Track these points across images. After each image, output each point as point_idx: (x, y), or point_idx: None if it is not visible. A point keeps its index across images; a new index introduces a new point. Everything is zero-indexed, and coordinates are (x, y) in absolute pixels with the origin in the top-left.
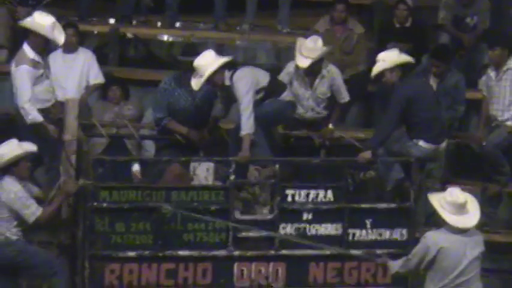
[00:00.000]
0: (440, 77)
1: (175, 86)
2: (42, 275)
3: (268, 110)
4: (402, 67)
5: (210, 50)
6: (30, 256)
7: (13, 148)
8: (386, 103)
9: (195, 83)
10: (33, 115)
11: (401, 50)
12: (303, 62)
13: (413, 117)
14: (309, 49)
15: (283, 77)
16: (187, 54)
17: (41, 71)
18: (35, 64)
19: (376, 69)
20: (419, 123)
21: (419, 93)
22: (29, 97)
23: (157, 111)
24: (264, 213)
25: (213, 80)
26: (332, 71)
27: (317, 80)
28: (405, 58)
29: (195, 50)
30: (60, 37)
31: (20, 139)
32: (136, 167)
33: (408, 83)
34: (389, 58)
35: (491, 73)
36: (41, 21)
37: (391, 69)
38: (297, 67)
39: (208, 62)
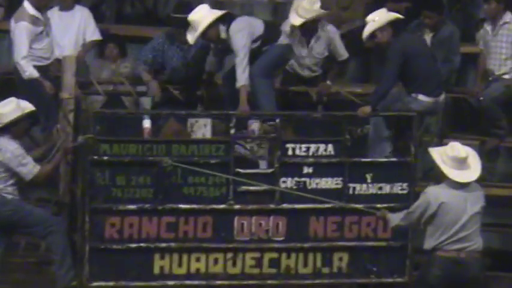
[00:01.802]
0: (434, 29)
1: (168, 44)
2: (37, 233)
3: (269, 56)
4: (393, 25)
5: (204, 4)
6: (25, 215)
7: (12, 108)
8: (383, 59)
9: (190, 38)
10: (29, 71)
11: (399, 11)
12: (297, 20)
13: (410, 72)
14: (305, 9)
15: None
16: (181, 11)
17: (41, 28)
18: (34, 21)
19: (367, 30)
20: (416, 78)
21: (414, 47)
22: (25, 53)
23: (138, 63)
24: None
25: (208, 34)
26: (329, 31)
27: (313, 40)
28: (394, 15)
29: (189, 6)
30: None
31: (17, 96)
32: (147, 123)
33: (402, 39)
34: (378, 18)
35: (488, 27)
36: None
37: (381, 29)
38: (292, 26)
39: (202, 16)
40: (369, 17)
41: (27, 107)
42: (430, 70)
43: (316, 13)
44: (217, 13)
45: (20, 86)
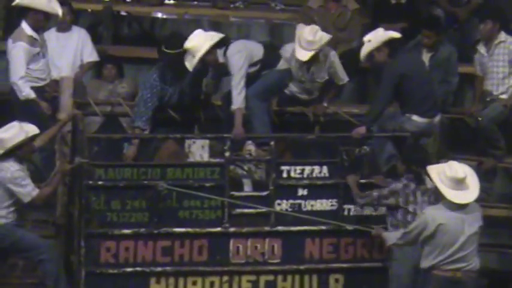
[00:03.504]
0: (432, 50)
1: (163, 79)
2: (30, 258)
3: (267, 80)
4: (389, 45)
5: (200, 30)
6: (16, 240)
7: (16, 132)
8: (380, 79)
9: (189, 65)
10: (26, 92)
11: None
12: (303, 55)
13: (405, 92)
14: (308, 42)
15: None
16: (174, 43)
17: (38, 49)
18: (32, 41)
19: (364, 51)
20: (412, 98)
21: (411, 68)
22: (23, 73)
23: (138, 118)
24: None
25: (206, 59)
26: (329, 54)
27: (314, 65)
28: (390, 35)
29: (181, 37)
30: (57, 9)
31: (14, 116)
32: (125, 149)
33: (399, 59)
34: (374, 38)
35: (482, 49)
36: None
37: (377, 49)
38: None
39: (199, 42)
40: (366, 38)
41: (31, 130)
42: (425, 91)
43: (320, 44)
44: (214, 39)
45: (16, 106)
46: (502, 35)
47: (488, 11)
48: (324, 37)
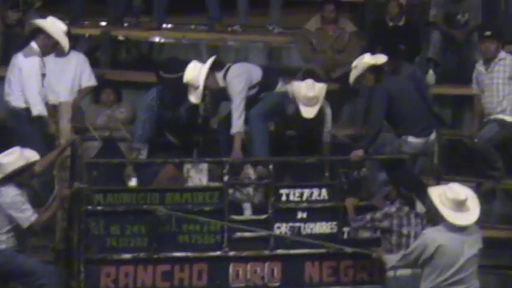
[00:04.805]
0: (395, 73)
1: (160, 100)
2: (29, 284)
3: (267, 102)
4: (375, 70)
5: (194, 61)
6: (17, 266)
7: (16, 158)
8: (370, 103)
9: (194, 98)
10: (41, 108)
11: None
12: (309, 112)
13: (396, 113)
14: (309, 98)
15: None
16: (171, 67)
17: (45, 70)
18: (41, 61)
19: (351, 77)
20: (404, 119)
21: (398, 89)
22: (40, 87)
23: (135, 140)
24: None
25: (208, 86)
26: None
27: None
28: (373, 61)
29: (177, 62)
30: (67, 45)
31: (11, 142)
32: (133, 182)
33: (386, 82)
34: (358, 65)
35: (480, 67)
36: (56, 25)
37: (362, 75)
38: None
39: (197, 71)
40: (353, 64)
41: (32, 156)
42: (416, 110)
43: (321, 96)
44: (208, 62)
45: (14, 129)
46: (502, 53)
47: (492, 31)
48: (322, 88)
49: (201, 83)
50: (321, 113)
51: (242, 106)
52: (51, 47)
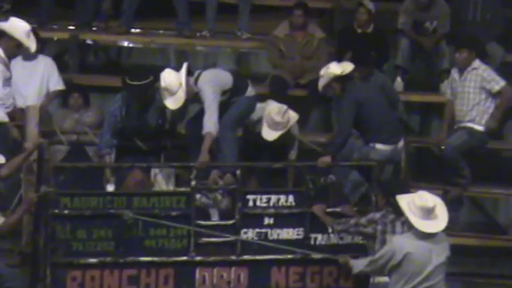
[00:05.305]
0: (365, 81)
1: (126, 108)
2: None
3: (238, 108)
4: (341, 79)
5: (168, 68)
6: None
7: None
8: (338, 110)
9: (172, 103)
10: (1, 114)
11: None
12: (270, 135)
13: (364, 120)
14: (276, 122)
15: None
16: (138, 76)
17: (9, 74)
18: (6, 65)
19: (319, 85)
20: (371, 126)
21: (365, 96)
22: None
23: (102, 146)
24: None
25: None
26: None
27: None
28: (342, 70)
29: (144, 72)
30: (32, 45)
31: None
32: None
33: (353, 89)
34: (325, 74)
35: (455, 74)
36: (19, 25)
37: (328, 85)
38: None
39: (173, 79)
40: (321, 72)
41: None
42: (383, 117)
43: (287, 126)
44: (184, 69)
45: None
46: (476, 63)
47: (464, 40)
48: (291, 118)
49: (182, 88)
50: (286, 138)
51: (214, 106)
52: (14, 49)
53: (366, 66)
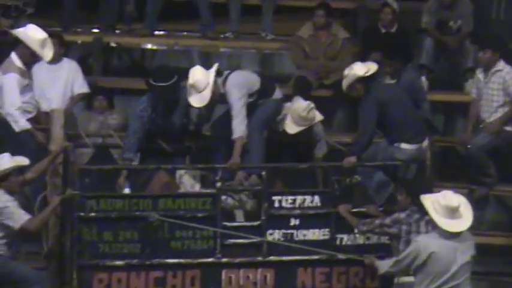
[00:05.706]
0: (395, 76)
1: (151, 109)
2: None
3: (266, 110)
4: (363, 80)
5: (198, 66)
6: (9, 272)
7: (3, 162)
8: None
9: (197, 101)
10: (22, 122)
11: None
12: (292, 129)
13: (388, 120)
14: (301, 117)
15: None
16: (162, 76)
17: (27, 81)
18: (22, 73)
19: (343, 85)
20: (395, 126)
21: (388, 95)
22: (18, 104)
23: (126, 150)
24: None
25: (213, 90)
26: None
27: None
28: (365, 70)
29: (169, 71)
30: (48, 54)
31: (3, 149)
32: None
33: (375, 89)
34: (348, 75)
35: (480, 75)
36: (33, 35)
37: (351, 86)
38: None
39: (202, 77)
40: (344, 72)
41: (21, 160)
42: (408, 117)
43: (311, 123)
44: (213, 69)
45: (6, 139)
46: (500, 64)
47: (488, 40)
48: (316, 117)
49: (209, 86)
50: (310, 137)
51: (243, 111)
52: (30, 57)
53: (396, 61)
